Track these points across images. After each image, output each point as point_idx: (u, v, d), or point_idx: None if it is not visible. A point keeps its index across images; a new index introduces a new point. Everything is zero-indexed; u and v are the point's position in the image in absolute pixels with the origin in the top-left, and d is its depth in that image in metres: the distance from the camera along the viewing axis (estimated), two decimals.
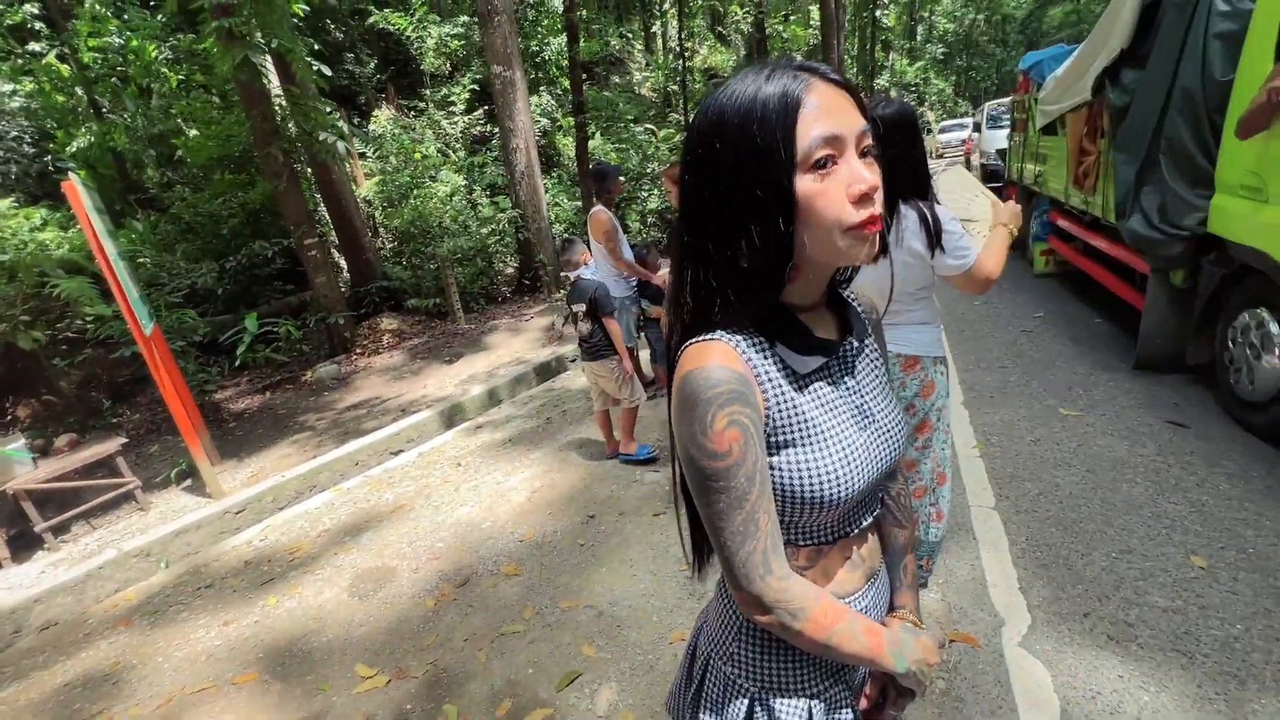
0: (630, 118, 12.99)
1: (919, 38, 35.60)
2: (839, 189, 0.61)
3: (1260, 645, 1.72)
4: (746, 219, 0.63)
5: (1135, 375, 3.53)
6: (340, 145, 6.29)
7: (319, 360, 6.41)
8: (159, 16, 8.72)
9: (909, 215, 1.64)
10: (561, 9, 11.45)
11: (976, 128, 13.70)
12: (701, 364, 0.64)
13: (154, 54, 8.61)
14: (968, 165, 14.46)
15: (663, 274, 3.81)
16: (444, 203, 8.40)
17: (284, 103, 6.43)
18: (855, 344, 0.74)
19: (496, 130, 9.58)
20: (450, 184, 9.08)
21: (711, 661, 0.81)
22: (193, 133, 8.55)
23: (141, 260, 6.48)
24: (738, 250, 0.64)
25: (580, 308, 3.28)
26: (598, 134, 12.30)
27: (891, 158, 1.61)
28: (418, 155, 9.28)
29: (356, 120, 10.68)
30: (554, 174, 12.13)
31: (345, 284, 8.01)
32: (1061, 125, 4.99)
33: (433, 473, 3.83)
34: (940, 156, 27.18)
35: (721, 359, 0.64)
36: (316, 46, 6.19)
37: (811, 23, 20.21)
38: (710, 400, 0.62)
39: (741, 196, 0.63)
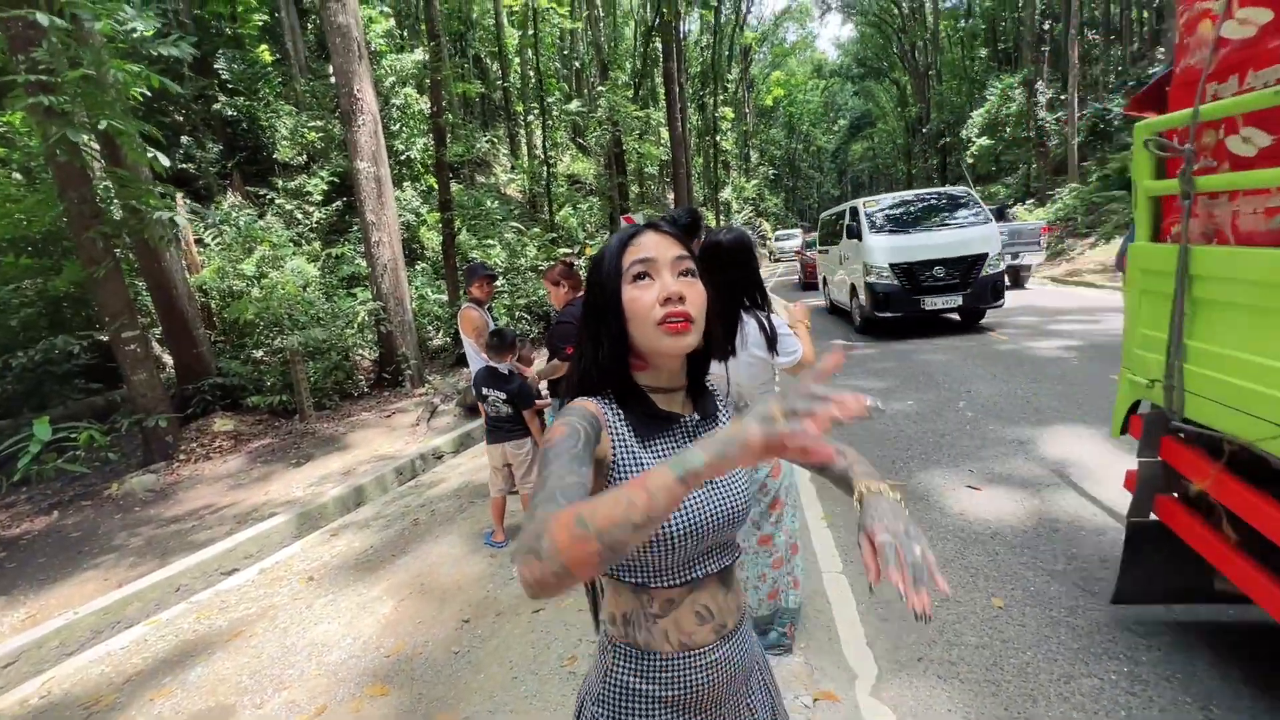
0: (498, 216, 13.41)
1: (753, 160, 41.17)
2: (651, 295, 0.86)
3: (1044, 667, 2.09)
4: (601, 318, 0.88)
5: (941, 448, 4.21)
6: (180, 227, 5.84)
7: (131, 470, 5.54)
8: None
9: (750, 323, 1.96)
10: (428, 113, 11.87)
11: (837, 235, 10.06)
12: (570, 405, 0.88)
13: None
14: (823, 284, 11.91)
15: (536, 366, 3.94)
16: (295, 293, 7.95)
17: (109, 184, 5.89)
18: (698, 418, 0.95)
19: (356, 221, 9.40)
20: (303, 274, 8.64)
21: (585, 702, 0.93)
22: None
23: None
24: (600, 341, 0.88)
25: (503, 395, 3.44)
26: (464, 230, 12.51)
27: (732, 275, 1.95)
28: (266, 244, 8.78)
29: (193, 205, 9.90)
30: (418, 266, 12.00)
31: (170, 381, 7.12)
32: None
33: (278, 590, 3.42)
34: (777, 260, 30.99)
35: (582, 404, 0.87)
36: (153, 130, 5.81)
37: (663, 142, 22.68)
38: (560, 413, 0.86)
39: (598, 303, 0.89)
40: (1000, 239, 8.14)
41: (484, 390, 3.46)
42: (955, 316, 8.65)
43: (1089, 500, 3.22)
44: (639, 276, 0.86)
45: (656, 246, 0.88)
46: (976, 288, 7.76)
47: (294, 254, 8.82)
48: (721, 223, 30.27)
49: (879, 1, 35.33)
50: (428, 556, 3.60)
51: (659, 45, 22.20)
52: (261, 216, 10.36)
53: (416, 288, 10.52)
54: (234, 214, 9.32)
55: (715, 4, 27.64)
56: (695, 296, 0.87)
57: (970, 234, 7.98)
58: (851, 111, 52.04)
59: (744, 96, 39.13)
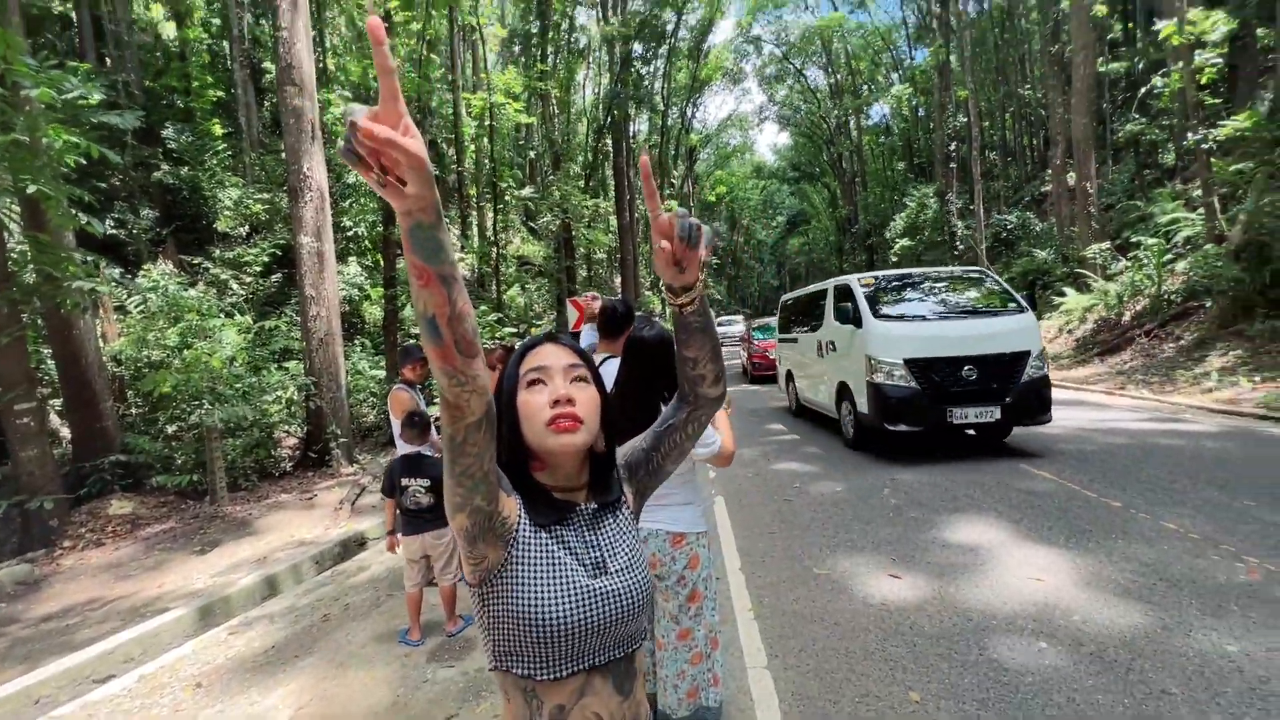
0: None
1: None
2: (542, 398, 0.92)
3: None
4: (505, 419, 0.93)
5: (865, 535, 4.33)
6: (101, 295, 5.61)
7: (3, 558, 4.97)
8: None
9: None
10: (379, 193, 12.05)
11: (812, 320, 8.52)
12: None
13: None
14: (787, 380, 9.62)
15: None
16: (221, 365, 7.62)
17: (26, 249, 5.65)
18: (594, 506, 0.97)
19: (295, 293, 9.23)
20: (231, 345, 8.33)
21: None
22: None
23: None
24: (503, 441, 0.93)
25: (424, 482, 3.33)
26: (408, 306, 12.45)
27: (653, 370, 2.05)
28: (192, 314, 8.46)
29: (120, 272, 9.53)
30: (357, 341, 11.77)
31: (65, 458, 6.55)
32: None
33: (159, 701, 3.07)
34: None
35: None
36: (86, 197, 5.69)
37: (611, 230, 23.67)
38: None
39: (503, 407, 0.93)
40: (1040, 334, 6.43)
41: (403, 481, 3.36)
42: (970, 431, 6.67)
43: (999, 589, 3.35)
44: (533, 383, 0.93)
45: (551, 356, 0.96)
46: (1018, 396, 5.89)
47: (223, 325, 8.51)
48: (668, 310, 31.24)
49: (810, 116, 39.14)
50: (335, 656, 3.33)
51: (610, 142, 23.67)
52: (193, 285, 10.04)
53: (353, 362, 10.28)
54: (162, 281, 9.00)
55: (663, 109, 29.94)
56: (586, 400, 0.93)
57: (1005, 325, 6.22)
58: (788, 209, 56.09)
59: (689, 191, 41.67)
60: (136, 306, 8.74)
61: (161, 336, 8.11)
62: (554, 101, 22.46)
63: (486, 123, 17.41)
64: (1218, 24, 11.00)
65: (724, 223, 52.26)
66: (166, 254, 10.90)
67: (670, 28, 26.05)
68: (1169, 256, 11.90)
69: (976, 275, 7.35)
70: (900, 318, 6.56)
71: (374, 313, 12.71)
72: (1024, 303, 6.57)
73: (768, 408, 10.95)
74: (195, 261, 10.93)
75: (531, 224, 21.38)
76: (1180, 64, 11.36)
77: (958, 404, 5.91)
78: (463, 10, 16.63)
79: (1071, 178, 15.95)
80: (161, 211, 11.34)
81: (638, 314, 3.08)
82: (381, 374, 10.22)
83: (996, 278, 7.28)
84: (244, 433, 7.36)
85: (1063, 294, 14.51)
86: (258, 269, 11.21)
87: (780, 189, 55.06)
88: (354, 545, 5.29)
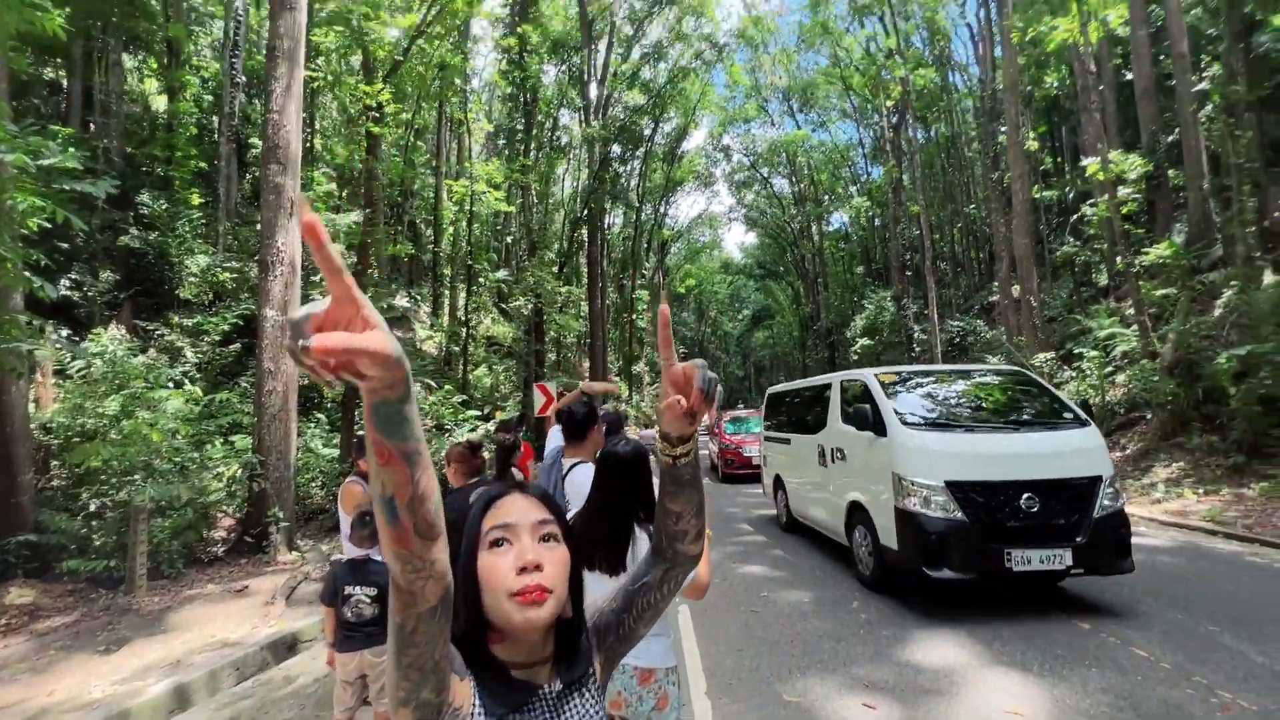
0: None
1: None
2: (507, 562, 0.81)
3: None
4: (461, 584, 0.80)
5: (836, 655, 4.14)
6: (41, 362, 5.30)
7: None
8: None
9: (642, 538, 1.95)
10: (354, 271, 12.08)
11: (811, 419, 7.16)
12: None
13: None
14: (775, 486, 8.11)
15: None
16: (161, 437, 7.16)
17: None
18: (560, 687, 0.85)
19: (252, 365, 8.94)
20: (179, 414, 7.89)
21: None
22: None
23: None
24: (459, 608, 0.79)
25: (370, 591, 2.96)
26: None
27: (626, 486, 1.98)
28: (138, 380, 8.05)
29: (67, 334, 9.12)
30: (312, 416, 11.32)
31: None
32: None
33: None
34: None
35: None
36: (43, 261, 5.52)
37: (582, 315, 24.06)
38: None
39: (460, 568, 0.81)
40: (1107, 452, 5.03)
41: (346, 589, 3.00)
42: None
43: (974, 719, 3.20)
44: (496, 543, 0.83)
45: (519, 511, 0.85)
46: (1092, 535, 4.53)
47: (169, 396, 8.10)
48: (635, 396, 31.34)
49: (775, 219, 41.63)
50: None
51: (585, 233, 24.55)
52: (144, 351, 9.63)
53: (306, 440, 9.83)
54: (110, 346, 8.60)
55: (638, 205, 31.49)
56: (556, 563, 0.83)
57: (1067, 441, 4.94)
58: (754, 304, 58.33)
59: (660, 282, 43.07)
60: (78, 371, 8.29)
61: (100, 405, 7.65)
62: (534, 192, 23.41)
63: (467, 208, 17.93)
64: (1135, 165, 12.36)
65: (692, 314, 53.90)
66: (120, 318, 10.53)
67: (648, 133, 27.91)
68: (1110, 369, 12.61)
69: (1015, 376, 6.03)
70: (935, 426, 5.16)
71: (334, 390, 12.34)
72: (1083, 414, 5.25)
73: (737, 508, 10.67)
74: (151, 327, 10.56)
75: (503, 305, 21.59)
76: (1105, 196, 12.58)
77: (1016, 543, 4.47)
78: (452, 105, 17.55)
79: (1016, 290, 17.09)
80: (124, 275, 11.07)
81: (603, 410, 3.03)
82: (335, 453, 9.77)
83: (1040, 380, 6.02)
84: (176, 512, 6.82)
85: None
86: (216, 338, 10.87)
87: (746, 284, 57.49)
88: (283, 648, 4.80)
